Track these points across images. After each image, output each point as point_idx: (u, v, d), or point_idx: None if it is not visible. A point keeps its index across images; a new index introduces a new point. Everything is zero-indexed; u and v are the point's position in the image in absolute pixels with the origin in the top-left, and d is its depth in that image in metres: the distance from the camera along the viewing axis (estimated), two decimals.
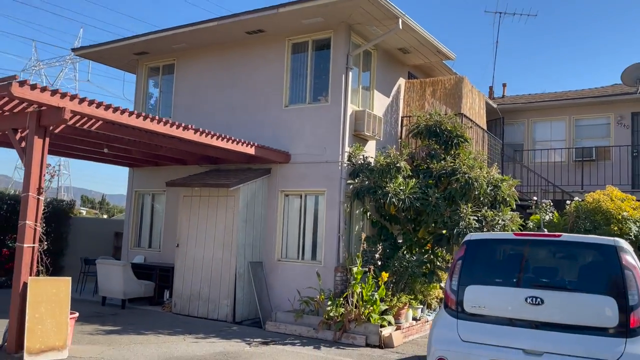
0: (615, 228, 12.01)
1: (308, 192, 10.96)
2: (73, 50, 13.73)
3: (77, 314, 7.64)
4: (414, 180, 10.15)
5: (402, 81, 12.90)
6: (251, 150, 10.23)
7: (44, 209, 14.71)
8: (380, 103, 12.03)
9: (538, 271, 5.16)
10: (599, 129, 17.18)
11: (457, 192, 9.94)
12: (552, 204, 13.37)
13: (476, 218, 9.89)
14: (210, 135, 9.38)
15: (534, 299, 4.82)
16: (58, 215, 15.31)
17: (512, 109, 18.15)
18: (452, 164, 10.20)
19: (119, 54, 13.46)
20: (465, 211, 9.67)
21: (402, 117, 12.77)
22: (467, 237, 5.50)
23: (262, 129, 11.52)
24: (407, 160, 10.66)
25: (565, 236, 5.12)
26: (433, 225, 10.17)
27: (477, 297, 5.14)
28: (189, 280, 10.95)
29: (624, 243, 4.86)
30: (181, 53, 13.09)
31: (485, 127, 13.76)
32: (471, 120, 12.51)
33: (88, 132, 9.19)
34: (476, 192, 9.78)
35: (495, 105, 17.74)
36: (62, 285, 7.15)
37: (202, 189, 11.00)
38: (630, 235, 11.74)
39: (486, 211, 10.16)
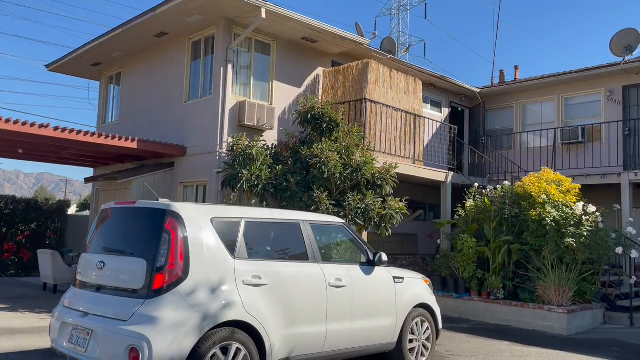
0: (535, 213, 10.88)
1: (199, 182, 11.41)
2: (46, 66, 15.48)
3: None
4: (280, 167, 10.16)
5: (320, 70, 12.82)
6: (133, 145, 10.96)
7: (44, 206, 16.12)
8: (285, 93, 12.10)
9: (112, 236, 5.25)
10: (589, 107, 15.38)
11: (315, 177, 9.79)
12: (491, 189, 12.42)
13: (333, 203, 9.68)
14: (75, 133, 10.30)
15: (100, 263, 4.95)
16: (58, 213, 17.27)
17: (497, 92, 16.87)
18: (318, 150, 10.05)
19: (79, 65, 14.92)
20: (318, 196, 9.51)
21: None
22: (102, 207, 5.66)
23: (170, 124, 12.19)
24: (280, 147, 10.70)
25: (139, 202, 5.15)
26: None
27: (80, 265, 5.33)
28: None
29: (179, 208, 4.77)
30: (124, 62, 14.20)
31: (420, 113, 13.10)
32: (387, 106, 12.07)
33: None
34: (325, 176, 9.56)
35: (476, 90, 16.69)
36: None
37: (112, 183, 11.94)
38: (547, 220, 10.56)
39: (354, 196, 9.90)
